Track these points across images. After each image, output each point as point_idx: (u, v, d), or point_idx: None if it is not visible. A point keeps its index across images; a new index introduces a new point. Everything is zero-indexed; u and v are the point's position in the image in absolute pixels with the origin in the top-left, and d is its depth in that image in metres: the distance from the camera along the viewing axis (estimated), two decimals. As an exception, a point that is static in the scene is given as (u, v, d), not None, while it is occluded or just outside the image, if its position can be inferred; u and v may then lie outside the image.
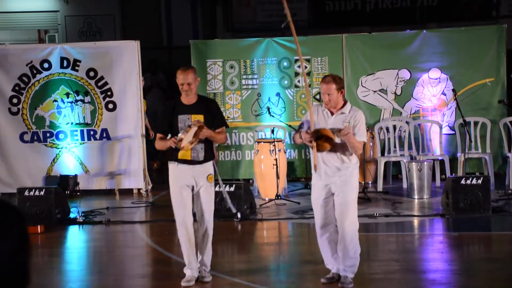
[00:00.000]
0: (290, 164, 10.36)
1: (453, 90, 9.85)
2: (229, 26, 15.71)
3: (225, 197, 6.74)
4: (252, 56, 10.67)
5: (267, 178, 9.34)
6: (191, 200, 5.82)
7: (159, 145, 5.80)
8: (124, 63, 10.16)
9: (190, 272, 5.84)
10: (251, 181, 10.26)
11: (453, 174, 9.32)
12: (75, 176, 10.15)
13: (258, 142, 9.61)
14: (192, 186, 5.77)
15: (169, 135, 5.74)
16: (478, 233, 7.47)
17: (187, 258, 5.85)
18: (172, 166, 5.80)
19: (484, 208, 7.97)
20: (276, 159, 9.13)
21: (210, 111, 5.79)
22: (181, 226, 5.80)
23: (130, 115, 10.17)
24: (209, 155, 5.80)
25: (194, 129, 5.46)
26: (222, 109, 10.52)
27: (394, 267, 6.27)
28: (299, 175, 10.67)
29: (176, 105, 5.80)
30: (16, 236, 1.66)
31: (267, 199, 9.28)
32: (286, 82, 10.65)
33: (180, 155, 5.66)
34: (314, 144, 5.38)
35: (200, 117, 5.71)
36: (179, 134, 5.49)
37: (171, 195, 5.86)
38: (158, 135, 5.86)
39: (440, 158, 9.94)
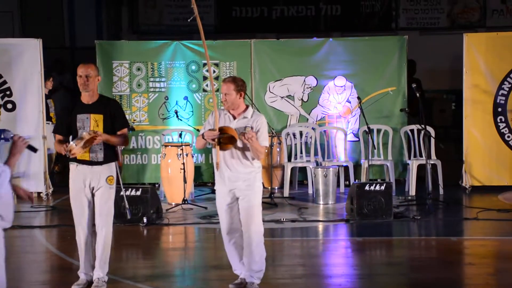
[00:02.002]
0: (197, 169, 10.28)
1: (358, 97, 10.09)
2: (135, 28, 15.46)
3: (126, 203, 6.55)
4: (160, 59, 10.52)
5: (174, 182, 9.21)
6: (91, 202, 5.67)
7: (57, 147, 5.65)
8: (24, 62, 9.76)
9: (83, 276, 5.74)
10: (157, 185, 10.09)
11: (357, 180, 9.53)
12: (-31, 178, 9.61)
13: (166, 146, 9.47)
14: (92, 188, 5.61)
15: (71, 137, 5.59)
16: (381, 238, 7.64)
17: (81, 261, 5.75)
18: (72, 167, 5.66)
19: (387, 213, 8.18)
20: (183, 163, 9.02)
21: (110, 111, 5.60)
22: (78, 227, 5.69)
23: (31, 116, 9.76)
24: (110, 156, 5.62)
25: (86, 138, 5.32)
26: (128, 111, 10.34)
27: (299, 271, 6.32)
28: (206, 179, 10.60)
29: (76, 104, 5.62)
30: None
31: (173, 203, 9.14)
32: (194, 86, 10.57)
33: (79, 156, 5.49)
34: (217, 142, 5.35)
35: (100, 117, 5.54)
36: (71, 142, 5.36)
37: (70, 195, 5.71)
38: (57, 136, 5.68)
39: (344, 164, 10.15)
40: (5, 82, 9.77)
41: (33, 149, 4.37)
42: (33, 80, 9.76)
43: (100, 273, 5.68)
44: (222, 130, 5.34)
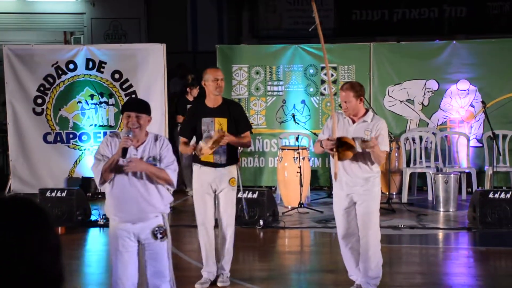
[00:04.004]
0: (314, 172, 10.23)
1: (482, 102, 9.67)
2: (255, 32, 15.65)
3: (244, 204, 6.69)
4: (278, 63, 10.58)
5: (290, 185, 9.23)
6: (213, 203, 5.80)
7: (182, 149, 5.81)
8: (149, 66, 10.11)
9: (206, 274, 5.88)
10: (273, 188, 10.15)
11: (480, 188, 9.13)
12: (97, 178, 10.10)
13: (282, 149, 9.51)
14: (214, 189, 5.73)
15: (194, 139, 5.72)
16: (506, 249, 7.25)
17: (205, 260, 5.88)
18: (196, 168, 5.80)
19: (512, 223, 7.78)
20: (300, 167, 9.02)
21: (234, 115, 5.73)
22: (202, 227, 5.82)
23: (154, 118, 10.02)
24: (232, 159, 5.76)
25: (215, 137, 5.40)
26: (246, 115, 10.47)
27: (418, 280, 6.14)
28: (322, 183, 10.54)
29: (200, 108, 5.78)
30: (41, 239, 1.58)
31: (289, 207, 9.16)
32: (311, 89, 10.55)
33: (203, 157, 5.62)
34: (335, 152, 5.28)
35: (224, 121, 5.66)
36: (200, 142, 5.44)
37: (193, 196, 5.87)
38: (182, 139, 5.84)
39: (466, 170, 9.76)
40: (131, 86, 10.17)
41: (123, 154, 4.44)
42: (157, 83, 10.08)
43: (225, 268, 5.85)
44: (340, 140, 5.27)
